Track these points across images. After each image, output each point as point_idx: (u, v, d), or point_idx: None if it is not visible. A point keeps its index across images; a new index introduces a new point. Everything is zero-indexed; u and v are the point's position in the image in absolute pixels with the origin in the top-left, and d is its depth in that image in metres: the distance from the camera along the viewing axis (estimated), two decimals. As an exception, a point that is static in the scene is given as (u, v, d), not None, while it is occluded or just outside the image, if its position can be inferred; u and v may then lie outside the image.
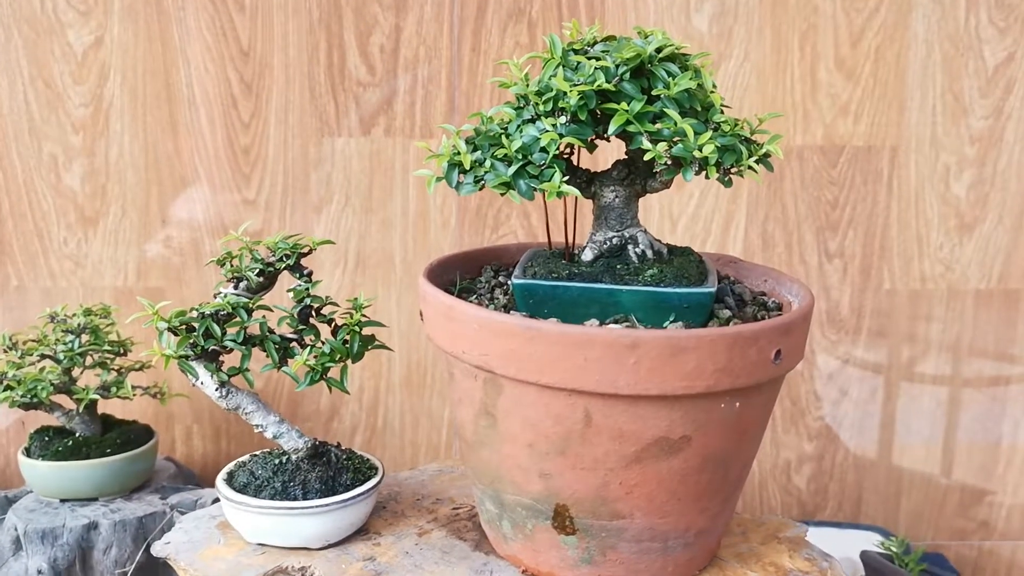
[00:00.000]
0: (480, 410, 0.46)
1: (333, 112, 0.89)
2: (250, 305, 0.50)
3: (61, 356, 0.72)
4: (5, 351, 0.73)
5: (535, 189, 0.45)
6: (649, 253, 0.50)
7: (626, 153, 0.51)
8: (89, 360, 0.75)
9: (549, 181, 0.45)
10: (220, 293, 0.51)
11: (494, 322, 0.44)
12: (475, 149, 0.47)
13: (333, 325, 0.53)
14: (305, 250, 0.53)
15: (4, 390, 0.70)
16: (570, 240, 0.53)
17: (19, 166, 0.88)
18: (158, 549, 0.53)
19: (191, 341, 0.49)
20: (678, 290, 0.47)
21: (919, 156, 0.90)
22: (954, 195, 0.91)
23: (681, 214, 0.90)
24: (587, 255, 0.50)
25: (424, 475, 0.64)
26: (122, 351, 0.76)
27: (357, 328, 0.52)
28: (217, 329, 0.49)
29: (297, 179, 0.89)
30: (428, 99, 0.89)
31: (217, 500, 0.71)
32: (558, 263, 0.49)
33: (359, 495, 0.52)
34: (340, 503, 0.51)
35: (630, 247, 0.50)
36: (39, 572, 0.63)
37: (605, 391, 0.42)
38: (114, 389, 0.74)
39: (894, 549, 0.87)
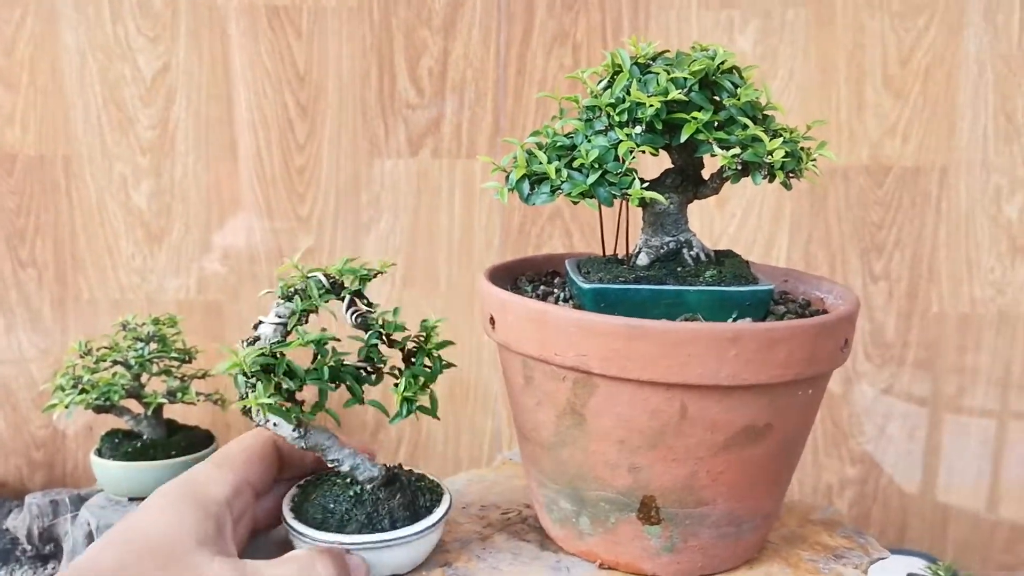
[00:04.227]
0: (565, 411, 0.53)
1: (383, 134, 1.00)
2: (325, 337, 0.53)
3: (132, 362, 0.84)
4: (81, 357, 0.86)
5: (615, 196, 0.52)
6: (703, 256, 0.57)
7: (673, 162, 0.58)
8: (156, 367, 0.87)
9: (629, 188, 0.52)
10: (262, 322, 0.54)
11: (596, 323, 0.50)
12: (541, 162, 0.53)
13: (405, 351, 0.56)
14: (373, 275, 0.57)
15: (80, 393, 0.83)
16: (609, 248, 0.61)
17: (92, 186, 1.02)
18: None
19: (276, 384, 0.51)
20: (741, 288, 0.54)
21: (969, 177, 0.96)
22: (1006, 217, 0.96)
23: (722, 234, 0.98)
24: (643, 260, 0.57)
25: (457, 484, 0.73)
26: (187, 359, 0.88)
27: (434, 351, 0.56)
28: (300, 370, 0.52)
29: (348, 198, 1.01)
30: (474, 120, 0.99)
31: None
32: (619, 268, 0.56)
33: (443, 516, 0.55)
34: (431, 527, 0.54)
35: (685, 251, 0.57)
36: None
37: (705, 383, 0.49)
38: (179, 395, 0.86)
39: (941, 574, 0.93)
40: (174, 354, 0.87)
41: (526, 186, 0.54)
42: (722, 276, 0.55)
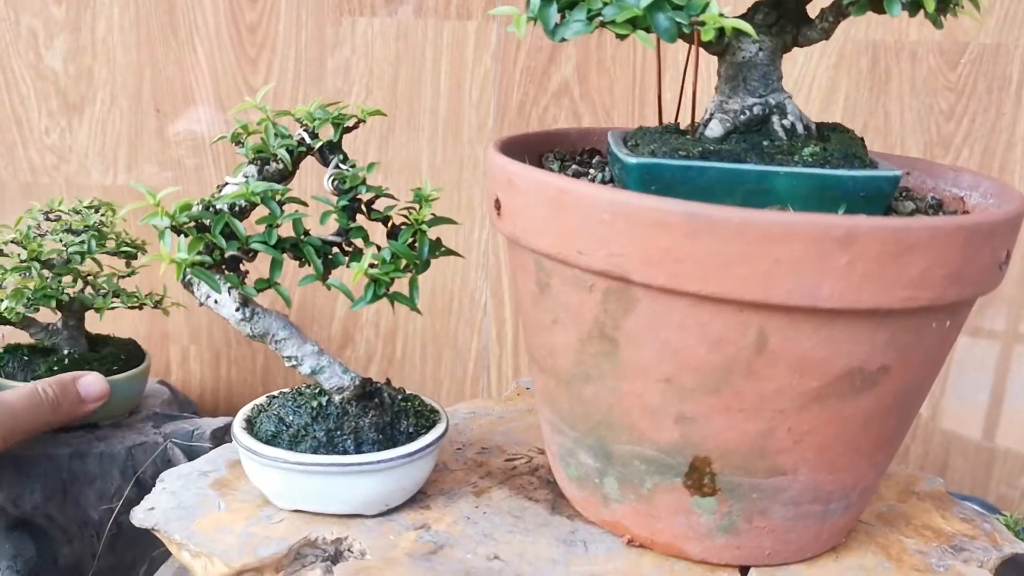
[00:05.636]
0: (592, 333, 0.40)
1: (354, -14, 0.83)
2: (279, 196, 0.44)
3: (68, 257, 0.69)
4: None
5: (681, 26, 0.37)
6: (800, 128, 0.43)
7: None
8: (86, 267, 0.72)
9: (701, 13, 0.37)
10: (228, 184, 0.46)
11: (639, 208, 0.36)
12: None
13: (391, 224, 0.47)
14: (351, 122, 0.47)
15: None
16: (669, 115, 0.46)
17: (-7, 41, 0.84)
18: (140, 517, 0.47)
19: (207, 243, 0.42)
20: (854, 173, 0.39)
21: (1059, 59, 0.82)
22: (1098, 109, 0.83)
23: (762, 121, 0.84)
24: (715, 129, 0.43)
25: (455, 418, 0.60)
26: (136, 255, 0.73)
27: (425, 228, 0.45)
28: (241, 227, 0.43)
29: (311, 65, 0.84)
30: (467, -28, 0.82)
31: (219, 443, 0.69)
32: (680, 140, 0.42)
33: (428, 446, 0.45)
34: (406, 456, 0.44)
35: (775, 118, 0.43)
36: (15, 505, 0.62)
37: (798, 304, 0.35)
38: (119, 297, 0.71)
39: (1009, 526, 0.84)
40: (124, 248, 0.72)
41: (553, 11, 0.38)
42: (827, 155, 0.40)
